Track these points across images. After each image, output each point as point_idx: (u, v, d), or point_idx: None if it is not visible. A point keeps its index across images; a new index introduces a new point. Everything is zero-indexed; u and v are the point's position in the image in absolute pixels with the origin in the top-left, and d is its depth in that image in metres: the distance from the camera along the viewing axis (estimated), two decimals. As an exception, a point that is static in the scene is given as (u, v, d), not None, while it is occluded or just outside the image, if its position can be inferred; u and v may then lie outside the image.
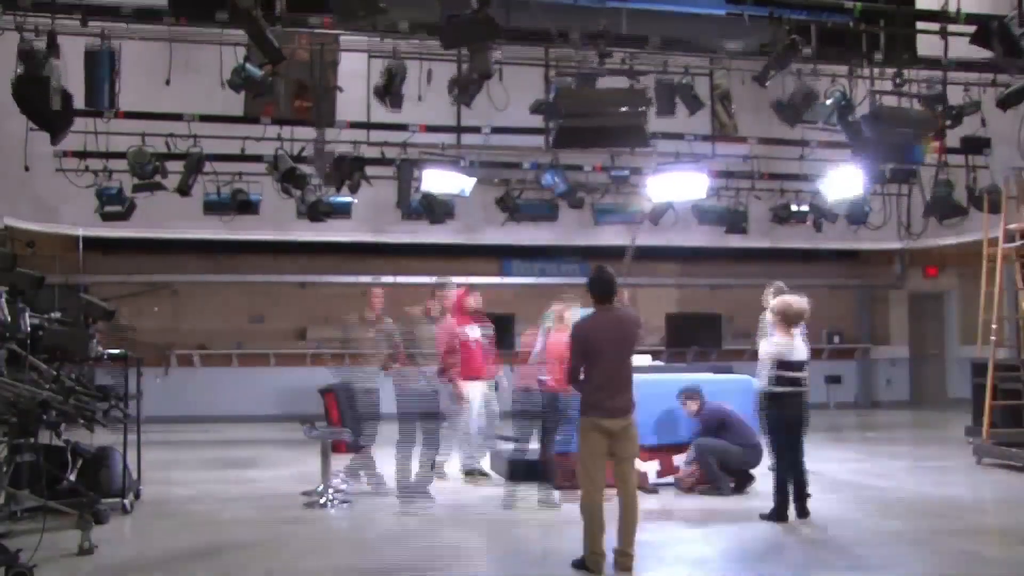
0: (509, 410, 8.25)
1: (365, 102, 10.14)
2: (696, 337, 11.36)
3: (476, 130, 11.27)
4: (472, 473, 8.86)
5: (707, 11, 12.44)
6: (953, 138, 11.02)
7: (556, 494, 7.50)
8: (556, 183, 11.65)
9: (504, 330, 11.18)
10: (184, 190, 10.69)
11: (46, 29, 7.13)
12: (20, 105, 7.00)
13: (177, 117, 10.18)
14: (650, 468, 8.10)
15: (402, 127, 10.69)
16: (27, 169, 9.89)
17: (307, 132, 10.71)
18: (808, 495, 6.90)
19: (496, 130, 11.21)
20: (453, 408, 8.55)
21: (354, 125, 10.80)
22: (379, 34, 8.58)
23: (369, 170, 10.86)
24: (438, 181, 10.85)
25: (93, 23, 7.83)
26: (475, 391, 8.84)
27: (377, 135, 10.85)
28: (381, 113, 10.07)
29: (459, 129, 11.22)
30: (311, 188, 10.89)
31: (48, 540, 6.13)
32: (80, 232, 13.27)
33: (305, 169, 10.62)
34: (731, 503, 7.57)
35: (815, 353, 13.27)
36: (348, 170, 10.45)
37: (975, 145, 11.15)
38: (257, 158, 10.84)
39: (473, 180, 11.19)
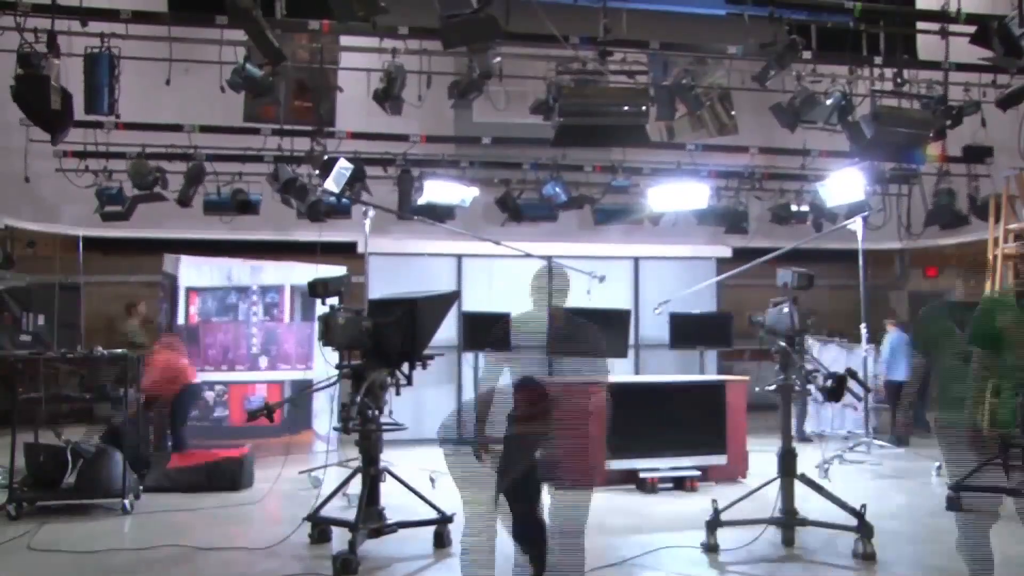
0: None
1: (365, 103, 10.15)
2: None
3: (476, 140, 11.26)
4: None
5: (707, 11, 12.44)
6: (955, 146, 11.01)
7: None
8: (557, 193, 11.66)
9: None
10: (185, 201, 10.73)
11: (45, 30, 7.12)
12: (20, 105, 6.99)
13: (178, 128, 10.20)
14: None
15: (403, 138, 10.70)
16: (27, 180, 9.97)
17: (307, 143, 10.72)
18: None
19: (496, 140, 11.21)
20: None
21: (355, 135, 10.81)
22: (378, 35, 8.57)
23: (368, 171, 10.86)
24: (439, 191, 10.90)
25: (92, 26, 7.83)
26: None
27: (378, 141, 10.88)
28: (381, 119, 10.08)
29: (459, 139, 11.21)
30: (311, 189, 10.90)
31: (49, 539, 6.16)
32: (80, 232, 13.25)
33: (302, 172, 10.63)
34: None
35: (815, 353, 13.36)
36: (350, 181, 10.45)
37: (977, 154, 11.14)
38: (257, 158, 10.84)
39: (475, 191, 11.22)
